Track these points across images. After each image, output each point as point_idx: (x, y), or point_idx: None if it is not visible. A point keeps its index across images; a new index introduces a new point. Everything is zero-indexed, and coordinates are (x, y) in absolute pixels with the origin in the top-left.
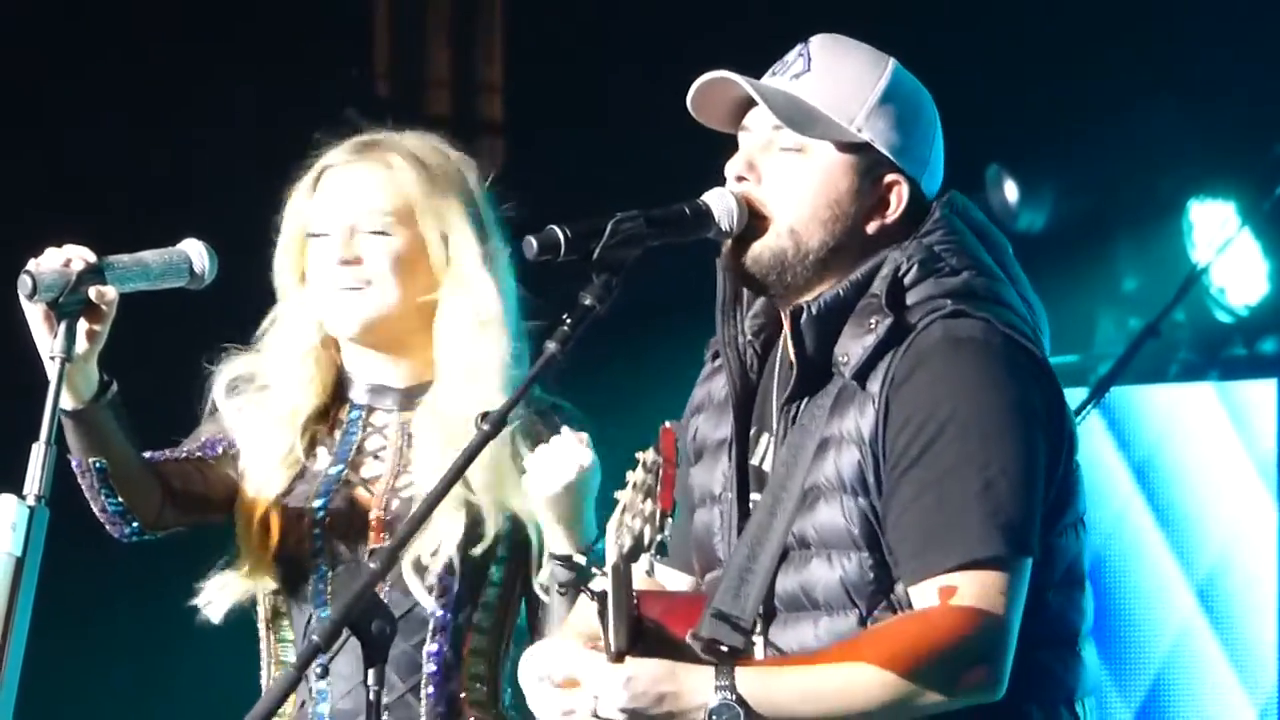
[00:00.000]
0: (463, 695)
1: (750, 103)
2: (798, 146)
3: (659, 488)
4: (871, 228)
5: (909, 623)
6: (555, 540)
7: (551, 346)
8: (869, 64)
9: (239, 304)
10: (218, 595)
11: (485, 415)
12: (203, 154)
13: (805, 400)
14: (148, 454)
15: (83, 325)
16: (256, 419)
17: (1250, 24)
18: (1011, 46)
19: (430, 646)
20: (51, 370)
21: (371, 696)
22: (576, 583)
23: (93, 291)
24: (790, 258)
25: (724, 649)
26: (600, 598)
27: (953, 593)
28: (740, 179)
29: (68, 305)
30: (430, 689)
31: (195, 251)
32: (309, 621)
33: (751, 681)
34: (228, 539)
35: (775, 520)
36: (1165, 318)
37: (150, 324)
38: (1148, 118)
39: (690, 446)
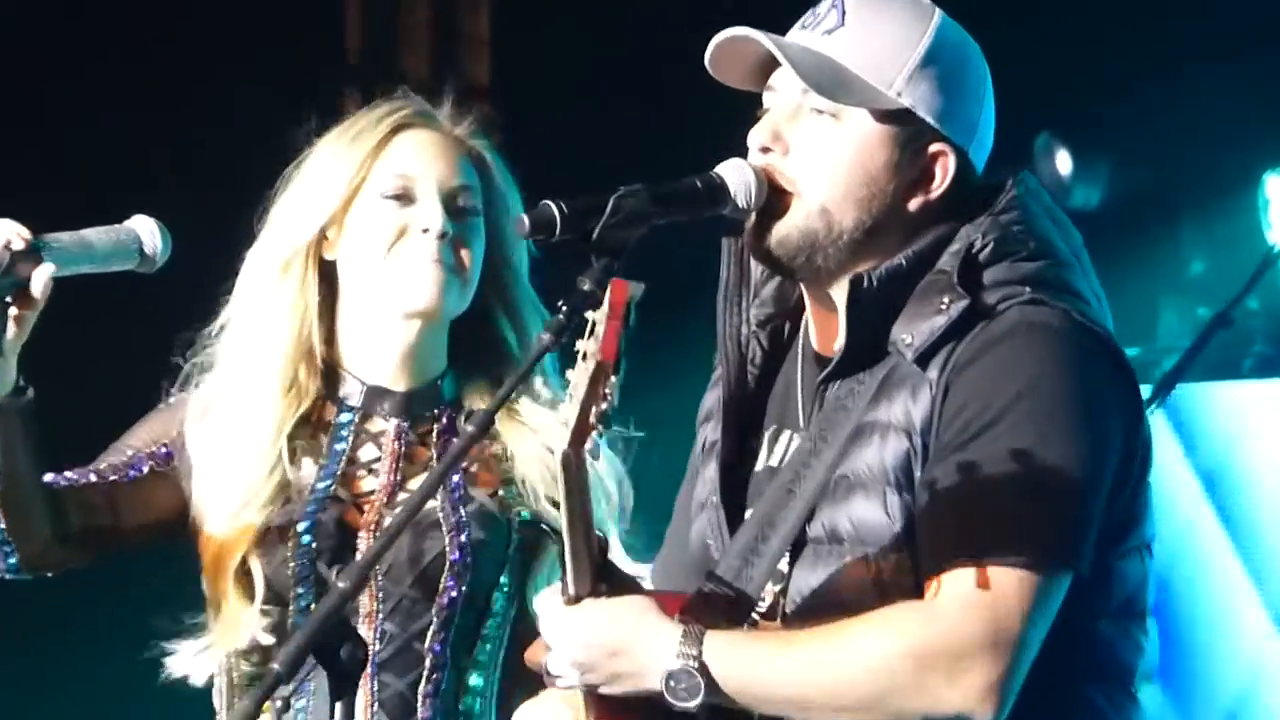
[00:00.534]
0: None
1: (775, 61)
2: (831, 112)
3: (601, 342)
4: (913, 205)
5: (906, 612)
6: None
7: (545, 338)
8: (911, 17)
9: (197, 299)
10: (195, 661)
11: (469, 416)
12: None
13: (839, 382)
14: (49, 476)
15: (11, 312)
16: (227, 447)
17: None
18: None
19: (425, 687)
20: None
21: None
22: None
23: (33, 273)
24: (822, 239)
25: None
26: (554, 532)
27: (967, 588)
28: (765, 150)
29: None
30: None
31: (146, 230)
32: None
33: (719, 650)
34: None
35: (793, 501)
36: (1237, 305)
37: (82, 316)
38: (1217, 79)
39: (697, 460)
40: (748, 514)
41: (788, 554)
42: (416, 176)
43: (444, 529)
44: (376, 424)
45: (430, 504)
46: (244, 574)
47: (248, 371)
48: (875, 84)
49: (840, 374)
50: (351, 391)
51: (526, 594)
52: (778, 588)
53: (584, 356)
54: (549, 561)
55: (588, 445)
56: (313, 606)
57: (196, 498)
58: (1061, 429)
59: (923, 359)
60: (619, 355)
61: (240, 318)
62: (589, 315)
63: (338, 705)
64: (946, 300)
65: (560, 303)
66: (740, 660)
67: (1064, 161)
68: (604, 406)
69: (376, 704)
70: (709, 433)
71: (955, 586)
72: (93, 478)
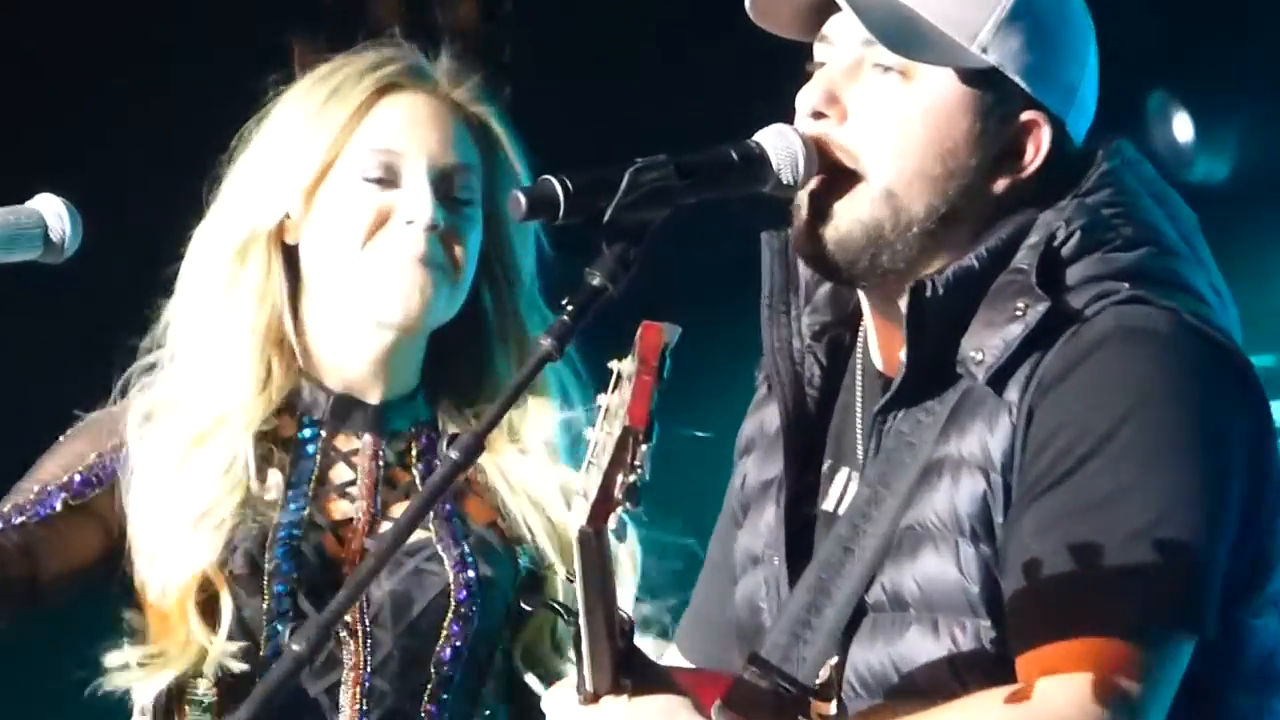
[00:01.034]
0: None
1: (832, 4)
2: (900, 70)
3: (630, 401)
4: (1000, 185)
5: (998, 703)
6: None
7: (545, 344)
8: None
9: (125, 296)
10: (137, 677)
11: (453, 440)
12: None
13: (904, 412)
14: None
15: None
16: (184, 456)
17: None
18: None
19: None
20: None
21: None
22: None
23: None
24: (887, 231)
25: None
26: (566, 613)
27: (1071, 667)
28: (817, 115)
29: None
30: None
31: (52, 212)
32: None
33: None
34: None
35: (850, 563)
36: None
37: None
38: None
39: (736, 501)
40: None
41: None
42: (403, 154)
43: (446, 562)
44: (347, 440)
45: (421, 534)
46: (206, 607)
47: (209, 364)
48: (955, 36)
49: (903, 401)
50: (314, 402)
51: (515, 656)
52: (832, 661)
53: (606, 415)
54: (548, 623)
55: (611, 523)
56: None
57: (138, 520)
58: (1173, 461)
59: (998, 379)
60: (651, 418)
61: (190, 310)
62: (613, 364)
63: None
64: (1023, 305)
65: (564, 301)
66: None
67: (1183, 126)
68: (632, 479)
69: None
70: (753, 468)
71: (1055, 663)
72: None
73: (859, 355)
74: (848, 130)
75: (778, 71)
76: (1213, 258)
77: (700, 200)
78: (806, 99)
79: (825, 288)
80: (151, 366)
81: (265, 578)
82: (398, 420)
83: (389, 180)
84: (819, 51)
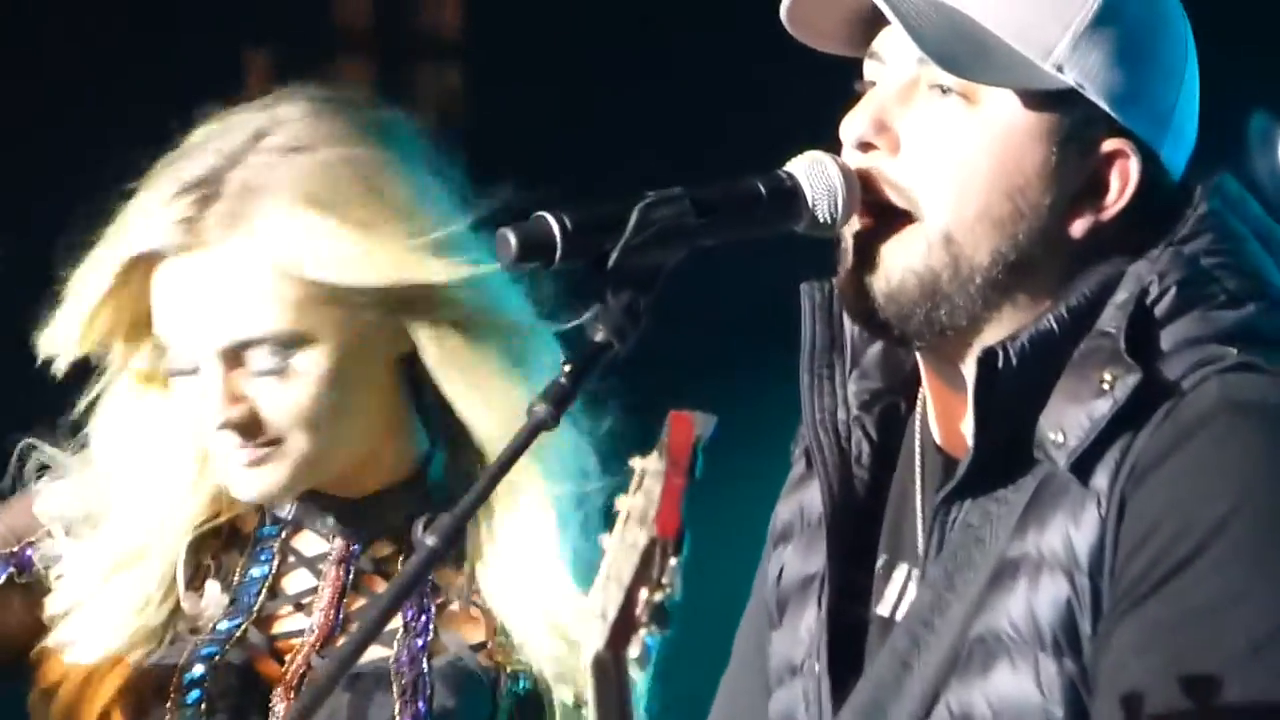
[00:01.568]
0: None
1: (883, 16)
2: (961, 92)
3: (657, 506)
4: (1079, 228)
5: None
6: None
7: (540, 410)
8: None
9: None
10: None
11: (428, 523)
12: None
13: (971, 501)
14: None
15: None
16: (102, 558)
17: None
18: None
19: None
20: None
21: None
22: None
23: None
24: (945, 282)
25: None
26: None
27: None
28: (865, 146)
29: None
30: None
31: None
32: None
33: None
34: None
35: (909, 680)
36: None
37: None
38: None
39: (772, 598)
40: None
41: None
42: (186, 345)
43: (394, 689)
44: (312, 542)
45: (379, 653)
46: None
47: (136, 449)
48: (1026, 52)
49: (971, 489)
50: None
51: None
52: None
53: (626, 520)
54: None
55: (633, 650)
56: None
57: (51, 618)
58: None
59: (1084, 464)
60: (683, 527)
61: (109, 413)
62: (635, 462)
63: None
64: (1110, 377)
65: (563, 361)
66: None
67: None
68: (659, 597)
69: None
70: (792, 560)
71: None
72: None
73: (917, 429)
74: (900, 164)
75: (815, 89)
76: None
77: (721, 241)
78: (852, 127)
79: (876, 348)
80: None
81: (172, 701)
82: (382, 516)
83: (188, 369)
84: (869, 70)
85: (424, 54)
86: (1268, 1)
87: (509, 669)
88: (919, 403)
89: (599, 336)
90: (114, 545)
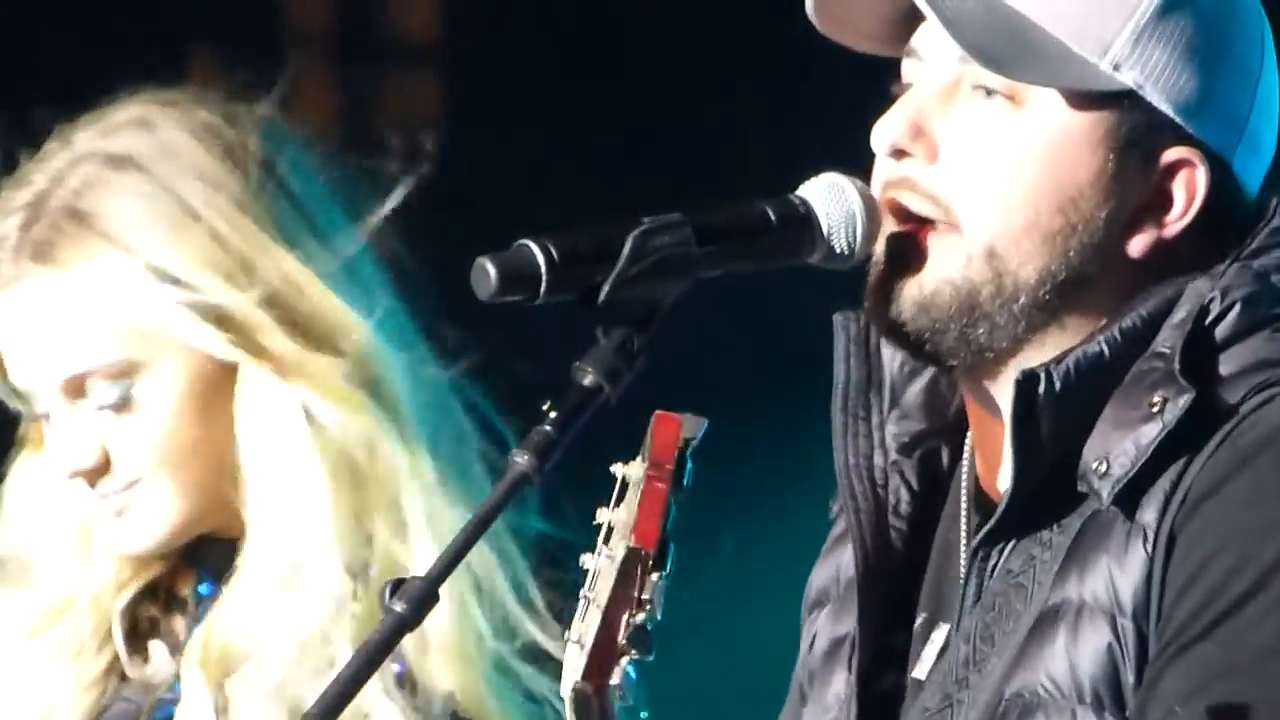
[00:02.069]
0: None
1: (920, 12)
2: (1007, 93)
3: (636, 515)
4: (1138, 245)
5: None
6: None
7: (522, 462)
8: None
9: None
10: None
11: (397, 587)
12: None
13: (1012, 544)
14: None
15: None
16: (31, 626)
17: None
18: None
19: None
20: None
21: None
22: None
23: None
24: (985, 299)
25: None
26: None
27: None
28: (898, 154)
29: None
30: None
31: None
32: None
33: None
34: None
35: None
36: None
37: None
38: None
39: (804, 673)
40: None
41: None
42: (28, 388)
43: None
44: None
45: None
46: None
47: (50, 513)
48: (1079, 49)
49: (1011, 531)
50: (215, 554)
51: None
52: None
53: (607, 536)
54: None
55: (614, 678)
56: None
57: None
58: None
59: (1129, 495)
60: (665, 537)
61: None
62: (617, 468)
63: None
64: (1160, 399)
65: (545, 406)
66: None
67: None
68: (640, 618)
69: None
70: (825, 626)
71: None
72: None
73: (964, 477)
74: (938, 172)
75: (838, 93)
76: None
77: (725, 273)
78: (885, 132)
79: (917, 386)
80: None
81: None
82: None
83: (41, 415)
84: (907, 70)
85: (390, 57)
86: None
87: None
88: (967, 448)
89: (588, 380)
90: (40, 600)
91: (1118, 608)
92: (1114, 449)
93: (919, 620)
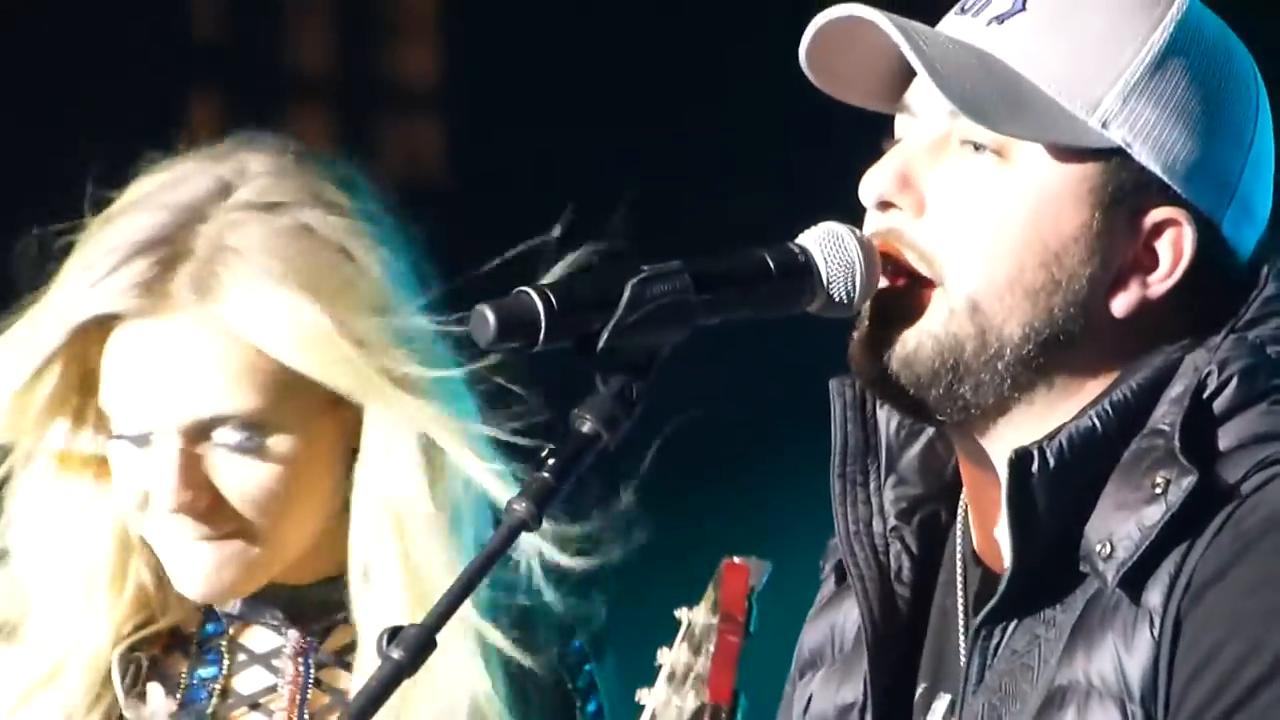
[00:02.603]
0: None
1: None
2: (994, 148)
3: (708, 666)
4: (1122, 304)
5: None
6: None
7: (520, 510)
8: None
9: None
10: None
11: (394, 635)
12: None
13: (1015, 623)
14: None
15: None
16: (30, 673)
17: None
18: None
19: None
20: None
21: None
22: None
23: None
24: (969, 354)
25: None
26: None
27: None
28: (884, 205)
29: None
30: None
31: None
32: None
33: None
34: None
35: None
36: None
37: None
38: None
39: None
40: None
41: None
42: (136, 416)
43: None
44: (263, 637)
45: None
46: None
47: (51, 545)
48: (1068, 105)
49: (1014, 609)
50: (283, 596)
51: None
52: None
53: (671, 678)
54: None
55: None
56: None
57: None
58: None
59: (1134, 579)
60: (736, 691)
61: (25, 509)
62: (681, 613)
63: None
64: (1163, 480)
65: (544, 452)
66: None
67: None
68: None
69: None
70: (821, 690)
71: None
72: None
73: (958, 539)
74: (925, 226)
75: (833, 146)
76: None
77: (724, 321)
78: (872, 184)
79: (913, 450)
80: None
81: None
82: (334, 606)
83: (141, 437)
84: (900, 125)
85: (392, 104)
86: None
87: None
88: (960, 510)
89: (586, 427)
90: (31, 661)
91: (1126, 693)
92: (1117, 531)
93: (919, 690)
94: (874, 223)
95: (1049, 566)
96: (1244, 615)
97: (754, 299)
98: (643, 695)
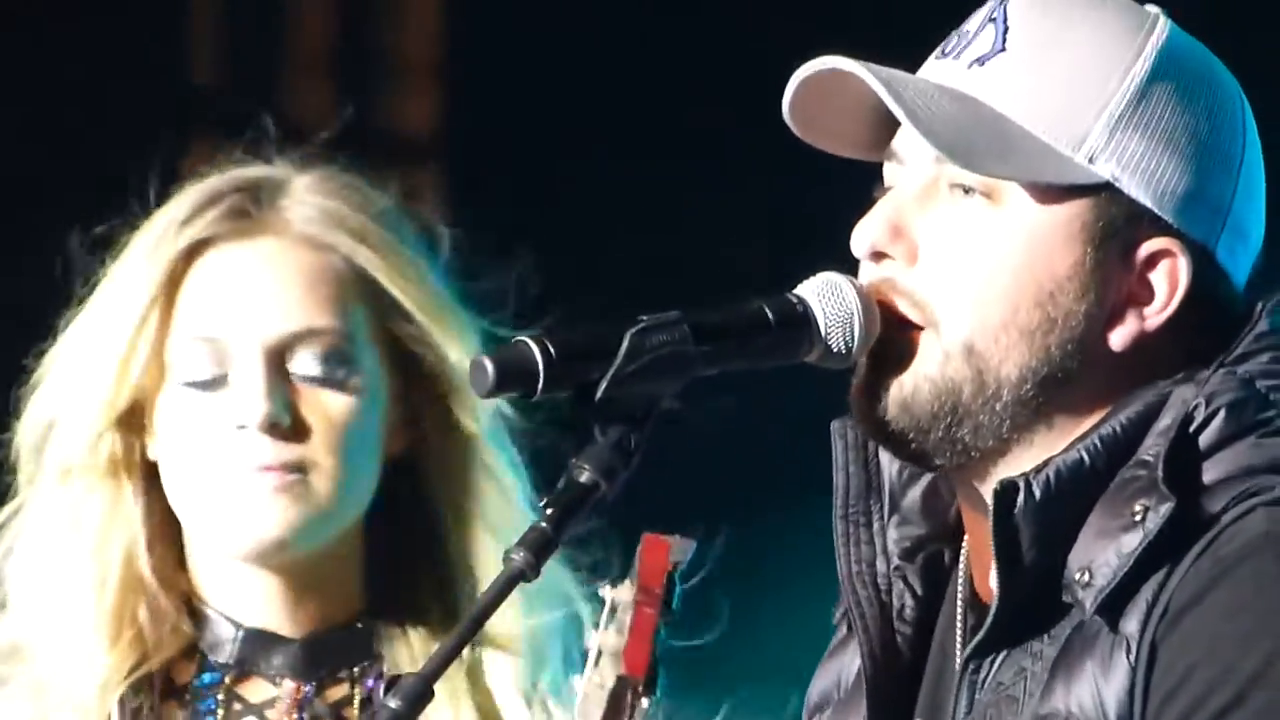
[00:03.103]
0: None
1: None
2: (983, 191)
3: (626, 642)
4: (1120, 338)
5: None
6: None
7: (517, 559)
8: (1113, 33)
9: None
10: None
11: (394, 684)
12: None
13: (1003, 655)
14: None
15: None
16: None
17: None
18: None
19: None
20: None
21: None
22: None
23: None
24: (967, 397)
25: None
26: None
27: None
28: (876, 255)
29: None
30: None
31: None
32: None
33: None
34: None
35: None
36: None
37: None
38: None
39: None
40: None
41: None
42: (227, 338)
43: None
44: (260, 688)
45: None
46: None
47: (49, 620)
48: (1054, 143)
49: (1000, 642)
50: (221, 639)
51: None
52: None
53: (596, 660)
54: None
55: None
56: None
57: None
58: None
59: (1112, 606)
60: (654, 664)
61: (26, 546)
62: (604, 590)
63: None
64: (1142, 507)
65: (543, 502)
66: None
67: None
68: None
69: None
70: None
71: None
72: None
73: (960, 579)
74: (918, 274)
75: (835, 188)
76: None
77: (722, 372)
78: (864, 235)
79: (916, 490)
80: None
81: None
82: (332, 657)
83: (216, 379)
84: (889, 173)
85: (395, 153)
86: None
87: None
88: (963, 551)
89: (584, 477)
90: (23, 706)
91: (1103, 719)
92: (1096, 559)
93: None
94: (868, 273)
95: (1036, 599)
96: (1219, 639)
97: (752, 350)
98: (575, 680)
